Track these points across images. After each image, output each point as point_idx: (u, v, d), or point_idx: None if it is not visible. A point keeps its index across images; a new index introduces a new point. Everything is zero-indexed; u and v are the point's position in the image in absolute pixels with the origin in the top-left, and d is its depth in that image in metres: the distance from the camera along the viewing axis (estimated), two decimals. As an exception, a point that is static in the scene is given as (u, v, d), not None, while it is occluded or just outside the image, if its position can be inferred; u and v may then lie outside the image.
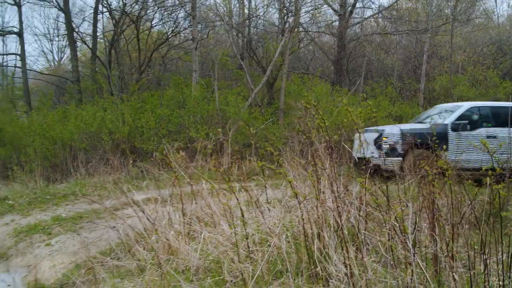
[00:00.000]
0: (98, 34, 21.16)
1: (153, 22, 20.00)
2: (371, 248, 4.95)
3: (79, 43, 21.81)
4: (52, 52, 40.87)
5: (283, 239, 4.90)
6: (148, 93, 16.12)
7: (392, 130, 11.71)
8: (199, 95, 14.76)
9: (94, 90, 18.45)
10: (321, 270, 4.29)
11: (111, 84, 18.02)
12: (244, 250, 4.83)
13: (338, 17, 21.10)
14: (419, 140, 10.95)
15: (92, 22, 20.81)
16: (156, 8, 19.10)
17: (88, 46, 21.70)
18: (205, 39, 19.36)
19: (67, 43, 22.67)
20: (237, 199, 5.18)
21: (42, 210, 9.48)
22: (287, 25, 17.30)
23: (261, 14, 21.02)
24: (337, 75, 20.46)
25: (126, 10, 18.78)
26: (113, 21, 19.48)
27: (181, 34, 19.99)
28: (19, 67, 22.70)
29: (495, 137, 11.92)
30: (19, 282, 6.04)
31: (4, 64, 30.31)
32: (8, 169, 13.05)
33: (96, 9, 20.12)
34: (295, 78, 18.65)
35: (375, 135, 11.77)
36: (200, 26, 18.72)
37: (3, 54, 31.49)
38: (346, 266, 4.09)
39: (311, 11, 20.93)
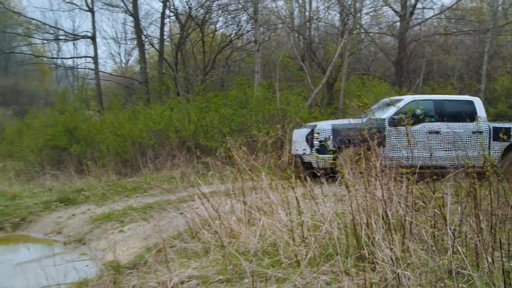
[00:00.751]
0: (165, 37, 22.11)
1: (217, 26, 20.68)
2: (417, 237, 5.28)
3: (147, 46, 22.85)
4: (119, 54, 42.51)
5: (335, 225, 5.31)
6: (212, 94, 16.74)
7: (324, 126, 11.11)
8: (260, 95, 15.27)
9: (161, 90, 19.28)
10: (368, 253, 4.67)
11: (177, 85, 18.82)
12: (299, 235, 5.28)
13: (399, 18, 21.14)
14: (352, 136, 10.31)
15: (159, 26, 21.83)
16: (220, 12, 19.75)
17: (155, 49, 22.72)
18: (267, 41, 19.83)
19: (135, 46, 23.77)
20: (294, 191, 5.66)
21: (114, 201, 10.28)
22: (346, 27, 17.53)
23: (321, 16, 21.34)
24: (397, 76, 20.36)
25: (191, 14, 19.53)
26: (180, 24, 20.31)
27: (244, 36, 20.54)
28: (91, 69, 24.03)
29: (437, 132, 11.32)
30: (96, 263, 6.69)
31: (77, 66, 32.09)
32: (83, 164, 13.93)
33: (163, 13, 21.10)
34: (355, 78, 18.85)
35: (307, 131, 11.21)
36: (262, 29, 19.19)
37: (77, 57, 33.29)
38: (391, 250, 4.45)
39: (371, 13, 21.12)
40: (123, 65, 38.73)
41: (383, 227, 4.92)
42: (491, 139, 11.50)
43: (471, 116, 11.57)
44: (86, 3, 22.73)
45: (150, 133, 14.44)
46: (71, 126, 15.65)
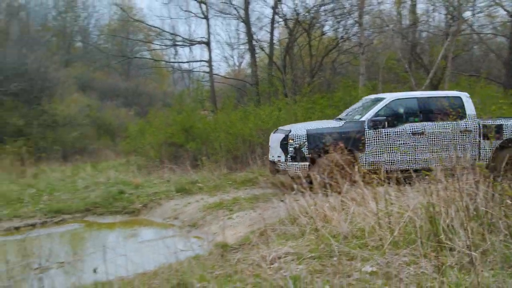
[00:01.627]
0: (274, 41, 23.03)
1: (323, 30, 21.25)
2: (494, 227, 5.65)
3: (257, 50, 23.93)
4: (233, 57, 44.25)
5: (419, 214, 5.83)
6: (318, 95, 17.37)
7: (298, 131, 10.17)
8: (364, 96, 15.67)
9: (270, 92, 20.17)
10: (446, 239, 5.15)
11: (285, 86, 19.67)
12: (385, 222, 5.86)
13: (510, 18, 20.56)
14: (329, 142, 9.75)
15: (269, 31, 22.84)
16: (326, 17, 20.34)
17: (265, 53, 23.77)
18: (371, 44, 20.11)
19: (247, 49, 24.90)
20: (384, 185, 6.28)
21: (225, 192, 11.30)
22: (451, 29, 17.46)
23: (426, 19, 21.23)
24: (508, 76, 19.77)
25: (299, 19, 20.33)
26: (288, 29, 21.21)
27: (350, 39, 20.96)
28: (206, 72, 25.55)
29: (422, 133, 10.38)
30: (207, 243, 7.66)
31: (192, 69, 33.94)
32: (197, 160, 15.06)
33: (273, 19, 22.05)
34: (462, 80, 18.61)
35: (282, 136, 10.35)
36: (367, 32, 19.56)
37: (193, 61, 35.19)
38: (467, 237, 4.90)
39: (479, 13, 20.71)
40: (236, 67, 40.32)
41: (462, 217, 5.35)
42: (481, 138, 10.64)
43: (459, 113, 10.52)
44: (202, 11, 24.29)
45: (259, 132, 15.25)
46: (187, 125, 16.89)
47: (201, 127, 17.08)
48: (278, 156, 10.28)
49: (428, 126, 10.39)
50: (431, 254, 4.79)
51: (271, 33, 22.50)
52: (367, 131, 10.10)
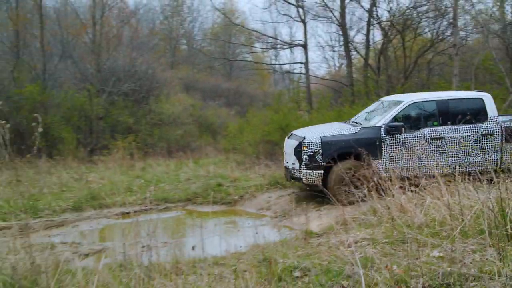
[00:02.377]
0: (370, 43, 23.42)
1: (417, 31, 21.26)
2: None
3: (353, 52, 24.44)
4: (333, 58, 44.62)
5: (489, 207, 6.25)
6: (410, 96, 17.56)
7: (312, 138, 9.88)
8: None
9: (364, 92, 20.60)
10: (512, 230, 5.57)
11: (379, 87, 20.03)
12: (457, 213, 6.34)
13: None
14: (344, 149, 9.59)
15: (365, 33, 23.35)
16: (419, 19, 20.40)
17: (360, 55, 24.26)
18: (465, 45, 19.95)
19: (343, 51, 25.40)
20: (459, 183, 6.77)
21: (317, 186, 12.03)
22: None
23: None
24: None
25: (393, 22, 20.61)
26: (383, 32, 21.51)
27: (445, 40, 20.87)
28: (303, 74, 26.30)
29: (441, 138, 9.99)
30: (297, 232, 8.48)
31: (292, 71, 34.82)
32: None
33: (368, 22, 22.48)
34: None
35: (296, 142, 10.11)
36: (462, 33, 19.50)
37: (291, 63, 36.10)
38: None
39: None
40: (336, 68, 40.80)
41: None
42: (504, 141, 10.21)
43: (481, 115, 10.24)
44: (299, 15, 25.11)
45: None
46: (283, 124, 17.66)
47: (297, 126, 17.80)
48: (293, 164, 10.07)
49: (447, 130, 10.04)
50: (497, 244, 5.14)
51: (367, 36, 22.95)
52: (383, 137, 9.82)
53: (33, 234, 5.62)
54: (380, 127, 9.87)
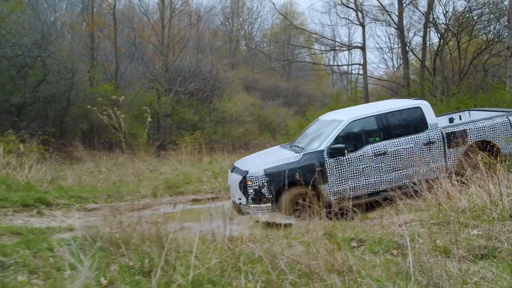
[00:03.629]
0: (426, 45, 23.98)
1: (472, 34, 21.57)
2: None
3: (410, 53, 25.10)
4: (392, 59, 44.98)
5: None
6: (465, 96, 18.28)
7: (256, 172, 9.41)
8: (510, 98, 16.22)
9: (420, 93, 21.19)
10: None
11: (434, 88, 20.63)
12: (497, 199, 7.19)
13: None
14: (289, 179, 8.71)
15: (421, 36, 23.96)
16: (474, 22, 20.77)
17: (417, 57, 24.89)
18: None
19: (400, 53, 26.07)
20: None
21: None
22: None
23: None
24: None
25: (449, 25, 21.16)
26: (439, 34, 22.07)
27: (502, 42, 21.13)
28: (361, 74, 27.16)
29: (385, 153, 9.76)
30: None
31: (349, 71, 35.54)
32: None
33: (425, 24, 23.05)
34: None
35: (239, 177, 9.61)
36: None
37: (349, 64, 36.80)
38: None
39: None
40: (394, 69, 41.22)
41: None
42: (446, 147, 10.14)
43: (421, 124, 10.13)
44: (358, 18, 25.97)
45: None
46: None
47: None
48: (239, 198, 9.57)
49: (389, 144, 9.84)
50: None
51: (423, 38, 23.53)
52: (327, 161, 9.50)
53: (119, 215, 6.67)
54: (323, 151, 9.57)
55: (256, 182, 9.32)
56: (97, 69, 23.87)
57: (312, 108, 28.70)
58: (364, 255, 5.76)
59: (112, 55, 25.82)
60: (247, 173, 9.47)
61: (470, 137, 10.25)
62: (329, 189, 9.47)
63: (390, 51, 41.02)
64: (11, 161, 12.37)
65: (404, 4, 23.54)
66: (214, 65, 28.57)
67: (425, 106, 10.28)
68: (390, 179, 9.76)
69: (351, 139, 9.77)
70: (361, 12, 25.49)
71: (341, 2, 25.42)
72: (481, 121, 10.52)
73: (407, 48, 24.44)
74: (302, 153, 9.75)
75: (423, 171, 9.55)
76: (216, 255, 5.09)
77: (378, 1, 23.95)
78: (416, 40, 28.15)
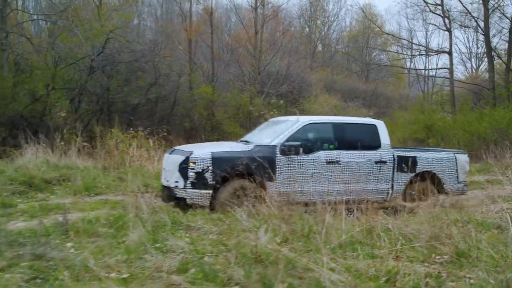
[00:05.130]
0: (512, 49, 24.55)
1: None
2: None
3: (496, 58, 25.67)
4: (470, 60, 45.14)
5: None
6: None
7: (202, 154, 8.69)
8: None
9: (506, 96, 21.96)
10: None
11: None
12: None
13: None
14: (236, 168, 8.47)
15: (507, 40, 24.54)
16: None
17: (502, 60, 25.37)
18: None
19: (485, 57, 26.61)
20: None
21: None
22: None
23: None
24: None
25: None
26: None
27: None
28: (446, 78, 27.93)
29: (337, 162, 9.38)
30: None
31: (431, 75, 36.13)
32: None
33: (511, 29, 23.73)
34: None
35: (181, 158, 8.84)
36: None
37: (431, 69, 37.35)
38: None
39: None
40: (473, 71, 41.35)
41: None
42: (395, 170, 9.95)
43: (374, 142, 9.87)
44: (445, 24, 26.79)
45: (494, 131, 17.45)
46: (429, 123, 19.70)
47: (441, 125, 19.75)
48: (176, 181, 8.78)
49: (343, 154, 9.49)
50: None
51: (509, 42, 24.03)
52: (278, 157, 9.00)
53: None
54: (275, 146, 9.10)
55: (200, 165, 8.55)
56: (196, 73, 25.90)
57: (394, 110, 29.49)
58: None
59: (208, 59, 27.84)
60: (191, 153, 8.73)
61: (419, 165, 10.17)
62: (275, 188, 8.79)
63: (469, 54, 41.21)
64: (143, 154, 14.35)
65: (489, 10, 24.17)
66: (302, 68, 29.92)
67: (381, 125, 10.08)
68: (337, 191, 9.04)
69: (305, 141, 9.30)
70: (448, 18, 26.27)
71: (430, 10, 26.35)
72: (430, 152, 10.79)
73: (493, 52, 25.05)
74: (254, 145, 9.34)
75: (369, 189, 9.50)
76: (356, 227, 6.57)
77: (465, 7, 24.75)
78: (502, 44, 28.50)
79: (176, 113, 22.59)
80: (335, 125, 9.85)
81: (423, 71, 42.79)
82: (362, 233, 6.31)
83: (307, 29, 51.36)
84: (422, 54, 30.82)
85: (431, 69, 39.03)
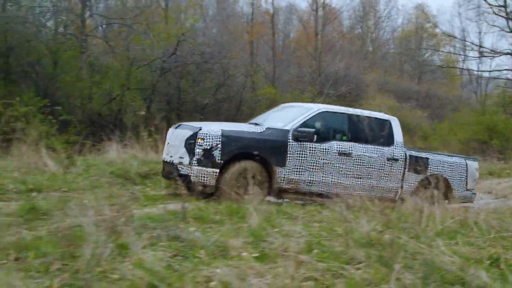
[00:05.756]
0: None
1: None
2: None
3: None
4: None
5: None
6: None
7: (211, 130, 8.20)
8: None
9: None
10: None
11: None
12: None
13: None
14: (247, 148, 8.22)
15: None
16: None
17: None
18: None
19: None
20: None
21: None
22: None
23: None
24: None
25: None
26: None
27: None
28: (509, 79, 27.89)
29: (349, 154, 8.97)
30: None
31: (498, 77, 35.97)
32: (502, 153, 18.29)
33: None
34: None
35: (188, 133, 8.36)
36: None
37: (500, 70, 37.07)
38: None
39: None
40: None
41: None
42: (406, 169, 9.58)
43: (388, 139, 9.50)
44: (508, 26, 26.80)
45: None
46: (491, 125, 19.92)
47: (504, 127, 19.95)
48: (180, 157, 8.34)
49: (356, 147, 9.11)
50: None
51: None
52: (290, 143, 8.56)
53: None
54: (288, 131, 8.62)
55: (209, 142, 8.06)
56: (258, 74, 26.70)
57: (452, 111, 29.48)
58: None
59: (268, 59, 28.65)
60: (200, 129, 8.23)
61: (430, 167, 9.85)
62: (284, 174, 8.50)
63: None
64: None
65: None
66: (359, 68, 30.32)
67: (395, 122, 9.76)
68: (347, 184, 8.88)
69: (319, 130, 8.86)
70: (512, 20, 26.31)
71: (493, 12, 26.40)
72: (442, 155, 10.45)
73: None
74: (265, 127, 8.77)
75: (379, 186, 9.30)
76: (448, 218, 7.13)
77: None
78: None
79: (242, 113, 23.36)
80: (350, 117, 9.29)
81: (482, 72, 42.29)
82: (456, 224, 6.85)
83: (360, 30, 51.42)
84: (486, 56, 30.54)
85: (492, 70, 38.65)
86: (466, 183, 10.17)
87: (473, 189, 10.42)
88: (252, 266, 4.81)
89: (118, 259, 4.67)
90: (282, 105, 11.00)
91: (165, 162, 8.97)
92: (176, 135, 8.77)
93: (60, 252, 5.14)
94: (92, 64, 20.73)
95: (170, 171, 8.53)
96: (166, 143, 9.17)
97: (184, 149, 8.24)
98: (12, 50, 18.12)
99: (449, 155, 10.69)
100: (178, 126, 9.15)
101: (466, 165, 10.26)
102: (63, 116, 13.99)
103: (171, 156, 8.61)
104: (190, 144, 8.15)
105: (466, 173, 10.17)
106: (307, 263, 4.85)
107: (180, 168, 8.21)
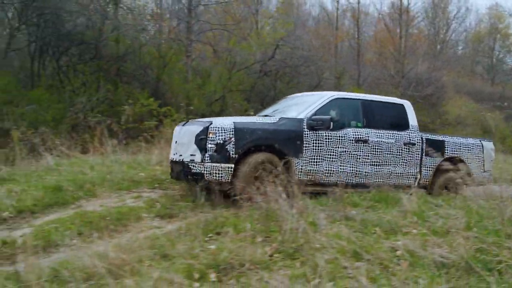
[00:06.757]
0: None
1: None
2: None
3: None
4: None
5: None
6: None
7: (223, 124, 7.83)
8: None
9: None
10: None
11: None
12: None
13: None
14: (262, 140, 7.92)
15: None
16: None
17: None
18: None
19: None
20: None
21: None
22: None
23: None
24: None
25: None
26: None
27: None
28: None
29: (365, 141, 8.77)
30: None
31: None
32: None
33: None
34: None
35: (199, 128, 7.96)
36: None
37: None
38: None
39: None
40: None
41: None
42: (424, 153, 9.40)
43: (403, 123, 9.37)
44: None
45: None
46: None
47: None
48: (191, 155, 7.89)
49: (372, 133, 8.92)
50: None
51: None
52: (305, 132, 8.26)
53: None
54: (302, 119, 8.34)
55: (221, 136, 7.70)
56: (345, 76, 27.74)
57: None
58: None
59: (351, 61, 29.64)
60: (211, 123, 7.88)
61: (447, 149, 9.78)
62: (302, 166, 8.24)
63: None
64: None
65: None
66: (444, 72, 30.73)
67: (408, 106, 9.63)
68: (365, 172, 8.86)
69: (333, 117, 8.62)
70: None
71: None
72: (457, 137, 10.32)
73: None
74: (279, 117, 8.48)
75: (398, 173, 9.25)
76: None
77: None
78: None
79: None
80: (363, 102, 9.17)
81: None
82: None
83: (432, 30, 51.44)
84: None
85: None
86: (483, 164, 10.19)
87: (490, 170, 10.37)
88: (427, 240, 5.70)
89: (309, 234, 5.64)
90: (288, 96, 10.83)
91: (173, 162, 8.57)
92: (184, 132, 8.39)
93: (258, 228, 6.29)
94: (195, 67, 22.15)
95: (180, 171, 8.17)
96: (173, 142, 8.78)
97: (195, 146, 7.87)
98: (128, 55, 19.72)
99: (463, 137, 10.60)
100: (186, 123, 8.87)
101: (482, 146, 10.26)
102: (190, 117, 15.21)
103: (180, 155, 8.21)
104: (201, 140, 7.79)
105: (483, 154, 10.17)
106: (474, 238, 5.63)
107: (191, 167, 7.83)
